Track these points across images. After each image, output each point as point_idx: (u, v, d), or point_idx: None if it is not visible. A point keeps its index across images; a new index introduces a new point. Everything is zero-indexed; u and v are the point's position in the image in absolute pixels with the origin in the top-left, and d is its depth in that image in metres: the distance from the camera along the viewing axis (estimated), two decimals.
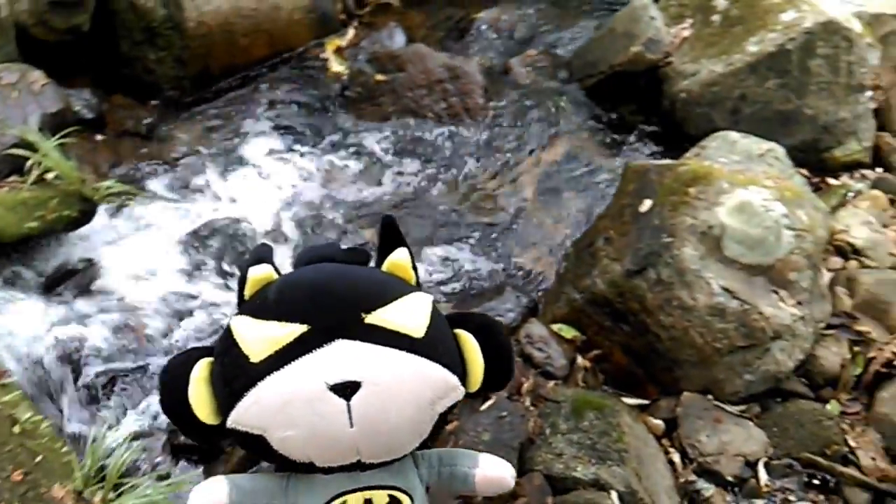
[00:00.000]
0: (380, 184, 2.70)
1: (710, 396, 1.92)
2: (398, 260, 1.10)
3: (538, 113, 2.92)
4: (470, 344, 1.08)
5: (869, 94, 2.71)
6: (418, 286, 1.12)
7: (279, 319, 0.97)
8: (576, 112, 2.93)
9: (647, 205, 2.04)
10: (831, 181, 2.59)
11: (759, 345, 1.88)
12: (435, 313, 1.05)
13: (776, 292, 1.91)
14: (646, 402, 1.97)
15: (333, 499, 1.03)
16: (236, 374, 0.98)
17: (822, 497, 1.79)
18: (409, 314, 1.01)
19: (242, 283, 1.08)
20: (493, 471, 1.18)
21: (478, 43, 3.25)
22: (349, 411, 0.94)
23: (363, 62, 2.94)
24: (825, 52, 2.59)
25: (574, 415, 1.80)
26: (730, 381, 1.91)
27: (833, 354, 1.95)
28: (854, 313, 2.02)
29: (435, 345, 1.02)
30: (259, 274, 1.06)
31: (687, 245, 1.92)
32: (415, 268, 1.13)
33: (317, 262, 1.10)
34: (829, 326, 1.98)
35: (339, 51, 3.13)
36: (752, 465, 1.83)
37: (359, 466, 1.02)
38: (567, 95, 2.98)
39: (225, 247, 2.39)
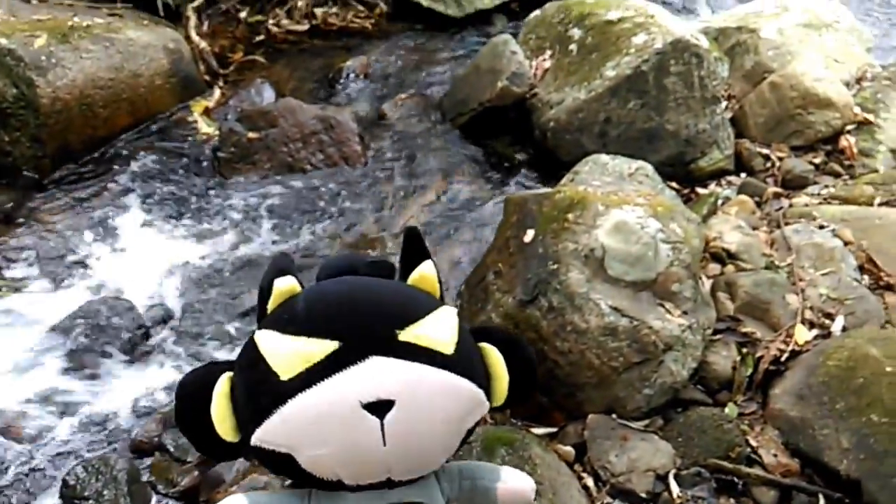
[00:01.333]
0: (263, 242, 2.59)
1: (614, 416, 1.90)
2: (425, 273, 1.06)
3: (416, 155, 2.88)
4: (495, 358, 1.05)
5: (724, 104, 2.82)
6: (442, 299, 1.09)
7: (309, 335, 0.92)
8: (453, 150, 2.91)
9: (530, 235, 2.02)
10: (700, 191, 2.67)
11: (652, 358, 1.88)
12: (462, 328, 1.02)
13: (662, 305, 1.91)
14: (554, 429, 1.92)
15: None
16: (263, 391, 0.93)
17: (732, 500, 1.78)
18: (441, 330, 0.98)
19: (264, 295, 1.03)
20: (516, 484, 1.15)
21: (349, 91, 3.20)
22: (382, 430, 0.90)
23: (233, 121, 2.83)
24: (678, 70, 2.67)
25: (485, 452, 1.73)
26: (631, 398, 1.89)
27: (723, 358, 1.97)
28: (737, 316, 2.05)
29: (465, 361, 0.99)
30: (284, 286, 1.00)
31: (573, 270, 1.90)
32: (440, 281, 1.10)
33: (340, 274, 1.06)
34: (716, 332, 2.00)
35: (206, 112, 3.01)
36: (662, 478, 1.80)
37: (387, 484, 0.98)
38: (442, 135, 2.97)
39: (104, 329, 2.21)
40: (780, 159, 2.72)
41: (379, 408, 0.89)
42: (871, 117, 2.76)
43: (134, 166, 2.78)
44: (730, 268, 2.17)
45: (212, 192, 2.72)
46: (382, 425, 0.90)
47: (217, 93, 3.10)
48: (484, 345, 1.06)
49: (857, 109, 2.78)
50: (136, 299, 2.32)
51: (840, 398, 1.76)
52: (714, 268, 2.19)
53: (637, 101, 2.65)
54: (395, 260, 1.12)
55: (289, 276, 1.01)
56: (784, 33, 3.02)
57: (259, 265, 2.46)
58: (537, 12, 3.16)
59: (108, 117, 2.81)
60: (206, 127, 2.95)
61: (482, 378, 1.02)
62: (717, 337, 2.00)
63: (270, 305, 1.01)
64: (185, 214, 2.66)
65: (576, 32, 2.91)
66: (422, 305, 1.00)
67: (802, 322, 2.00)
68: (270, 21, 3.45)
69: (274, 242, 2.58)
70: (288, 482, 1.06)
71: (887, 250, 2.18)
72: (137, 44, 2.92)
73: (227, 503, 1.01)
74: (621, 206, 1.99)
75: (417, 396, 0.92)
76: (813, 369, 1.85)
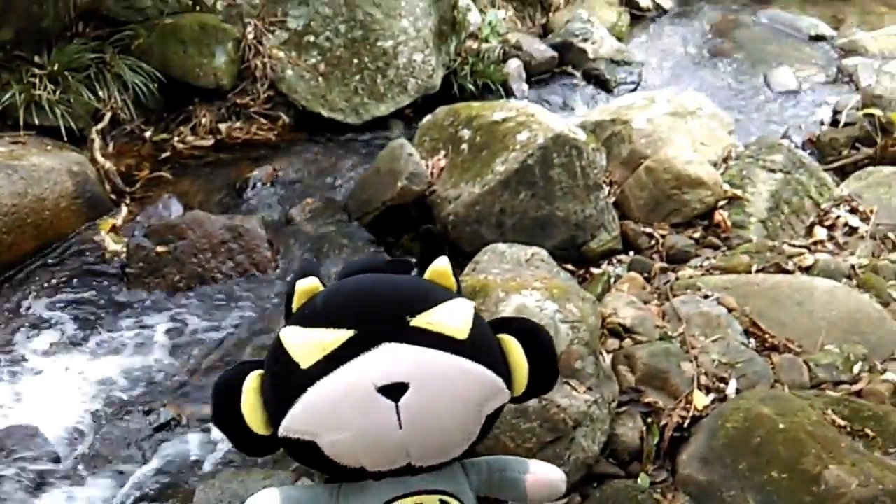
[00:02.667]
0: (177, 355, 2.46)
1: None
2: (440, 267, 1.07)
3: (326, 255, 2.85)
4: (514, 347, 1.04)
5: (606, 190, 2.93)
6: (459, 294, 1.09)
7: (327, 326, 0.95)
8: (360, 248, 2.90)
9: None
10: (594, 270, 2.73)
11: (564, 436, 1.85)
12: (477, 317, 1.02)
13: (567, 383, 1.91)
14: None
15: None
16: (287, 382, 0.95)
17: None
18: (453, 317, 0.98)
19: (290, 296, 1.05)
20: (545, 474, 1.13)
21: (256, 199, 3.17)
22: (398, 412, 0.91)
23: (140, 237, 2.74)
24: (561, 162, 2.78)
25: None
26: None
27: (630, 430, 1.96)
28: (639, 387, 2.06)
29: (479, 347, 0.98)
30: (305, 286, 1.02)
31: None
32: (456, 277, 1.10)
33: (361, 273, 1.08)
34: (620, 404, 2.00)
35: (114, 230, 2.90)
36: None
37: (409, 470, 0.98)
38: (349, 234, 2.95)
39: (11, 457, 2.03)
40: (663, 236, 2.83)
41: (394, 391, 0.90)
42: (739, 192, 2.92)
43: (41, 289, 2.65)
44: (627, 341, 2.20)
45: (121, 309, 2.60)
46: (398, 408, 0.90)
47: (124, 210, 3.00)
48: (502, 335, 1.05)
49: (726, 186, 2.94)
50: (46, 425, 2.15)
51: (741, 458, 1.77)
52: (613, 342, 2.21)
53: (527, 192, 2.72)
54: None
55: (311, 277, 1.03)
56: (654, 122, 3.20)
57: (176, 377, 2.34)
58: (429, 117, 3.25)
59: (13, 243, 2.70)
60: (113, 244, 2.84)
61: (500, 366, 1.01)
62: (623, 409, 2.00)
63: (294, 305, 1.03)
64: (94, 334, 2.51)
65: (466, 133, 3.00)
66: (435, 295, 1.00)
67: (699, 388, 2.03)
68: (175, 138, 3.42)
69: (189, 353, 2.46)
70: (324, 479, 1.05)
71: (768, 313, 2.26)
72: (41, 168, 2.83)
73: (259, 496, 1.01)
74: (520, 291, 2.01)
75: (430, 379, 0.92)
76: (713, 433, 1.87)
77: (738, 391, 2.02)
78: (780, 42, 4.96)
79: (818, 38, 4.94)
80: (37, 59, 3.24)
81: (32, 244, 2.76)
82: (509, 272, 2.22)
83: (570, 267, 2.62)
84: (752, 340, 2.21)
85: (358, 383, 0.91)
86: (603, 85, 4.46)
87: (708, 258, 2.68)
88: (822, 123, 3.81)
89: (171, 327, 2.54)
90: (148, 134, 3.42)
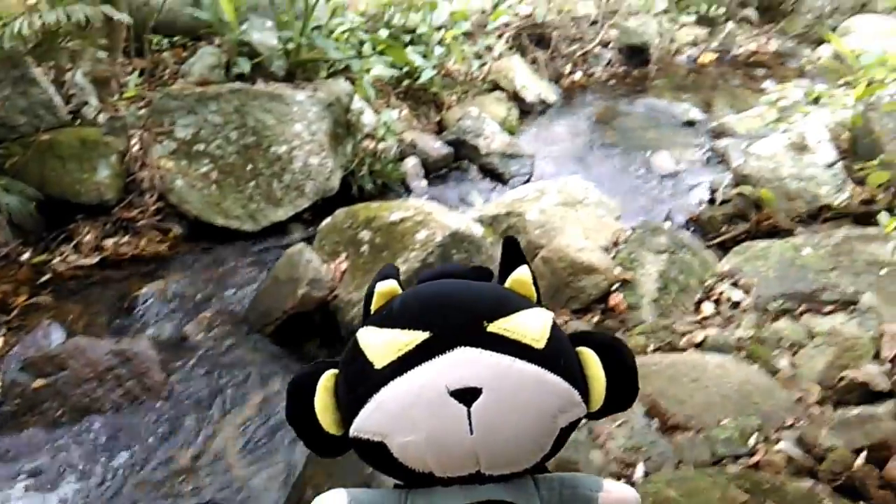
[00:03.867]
0: (63, 498, 2.29)
1: None
2: (520, 276, 1.03)
3: (225, 373, 2.77)
4: (592, 360, 1.00)
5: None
6: (539, 304, 1.05)
7: (403, 327, 0.93)
8: (263, 361, 2.84)
9: None
10: None
11: None
12: (556, 328, 0.98)
13: None
14: None
15: None
16: (360, 380, 0.93)
17: None
18: (531, 325, 0.95)
19: (369, 298, 1.02)
20: (619, 493, 1.06)
21: (147, 318, 3.06)
22: (469, 417, 0.88)
23: (16, 371, 2.58)
24: (460, 257, 2.85)
25: None
26: None
27: None
28: None
29: (556, 357, 0.95)
30: (384, 288, 1.01)
31: None
32: (536, 287, 1.05)
33: (440, 278, 1.04)
34: None
35: None
36: None
37: (478, 478, 0.93)
38: (250, 348, 2.89)
39: None
40: (565, 322, 2.92)
41: (466, 396, 0.88)
42: (630, 275, 3.07)
43: None
44: None
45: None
46: (469, 413, 0.88)
47: None
48: (581, 348, 1.02)
49: (617, 270, 3.08)
50: None
51: None
52: None
53: None
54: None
55: (390, 280, 1.02)
56: (546, 213, 3.35)
57: None
58: (328, 220, 3.29)
59: None
60: None
61: (577, 379, 0.98)
62: None
63: (373, 307, 1.02)
64: None
65: (365, 235, 3.05)
66: (514, 303, 0.98)
67: (609, 476, 2.06)
68: (56, 259, 3.29)
69: (76, 494, 2.30)
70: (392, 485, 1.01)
71: (667, 392, 2.35)
72: None
73: (327, 497, 0.99)
74: None
75: (504, 386, 0.90)
76: None
77: (645, 474, 2.06)
78: (658, 128, 5.35)
79: (691, 122, 5.37)
80: None
81: None
82: None
83: None
84: (655, 421, 2.28)
85: (430, 385, 0.90)
86: (498, 178, 4.66)
87: None
88: (701, 203, 4.09)
89: (54, 469, 2.37)
90: (26, 257, 3.28)
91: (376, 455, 0.96)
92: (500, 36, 6.31)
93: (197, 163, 3.78)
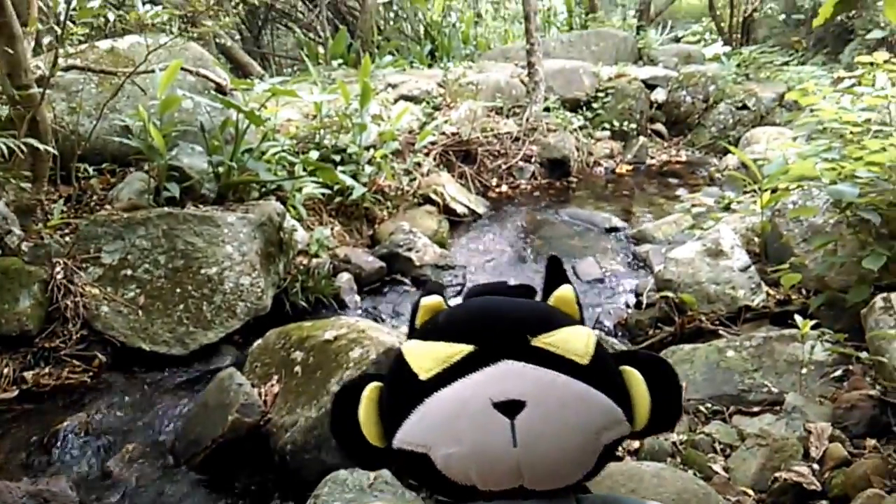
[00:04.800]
0: None
1: None
2: (564, 293, 1.07)
3: None
4: (636, 379, 1.01)
5: None
6: (582, 322, 1.06)
7: (448, 340, 0.96)
8: (190, 495, 2.71)
9: None
10: None
11: None
12: (600, 345, 1.00)
13: None
14: None
15: None
16: (404, 393, 0.95)
17: None
18: (575, 342, 0.97)
19: (414, 312, 1.08)
20: None
21: (68, 454, 2.90)
22: (513, 430, 0.89)
23: None
24: None
25: None
26: None
27: None
28: None
29: (600, 374, 0.97)
30: (430, 302, 1.06)
31: None
32: (580, 305, 1.08)
33: (484, 295, 1.08)
34: None
35: None
36: None
37: (521, 493, 0.94)
38: (178, 480, 2.77)
39: None
40: None
41: (510, 409, 0.90)
42: None
43: None
44: None
45: None
46: (513, 426, 0.89)
47: None
48: (625, 367, 1.02)
49: None
50: None
51: None
52: None
53: None
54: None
55: (435, 295, 1.07)
56: None
57: None
58: (259, 341, 3.26)
59: None
60: None
61: (621, 396, 0.99)
62: None
63: (418, 321, 1.06)
64: None
65: (298, 355, 3.03)
66: (558, 319, 1.01)
67: None
68: None
69: None
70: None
71: None
72: None
73: None
74: None
75: (549, 400, 0.92)
76: None
77: None
78: (582, 236, 5.58)
79: (613, 229, 5.63)
80: None
81: None
82: (353, 501, 2.17)
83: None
84: None
85: (475, 397, 0.92)
86: None
87: None
88: (628, 306, 4.24)
89: None
90: None
91: (419, 467, 0.96)
92: (427, 153, 6.58)
93: (123, 288, 3.72)
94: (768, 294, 3.76)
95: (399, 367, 1.00)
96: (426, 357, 0.97)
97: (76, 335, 3.46)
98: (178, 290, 3.82)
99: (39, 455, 2.90)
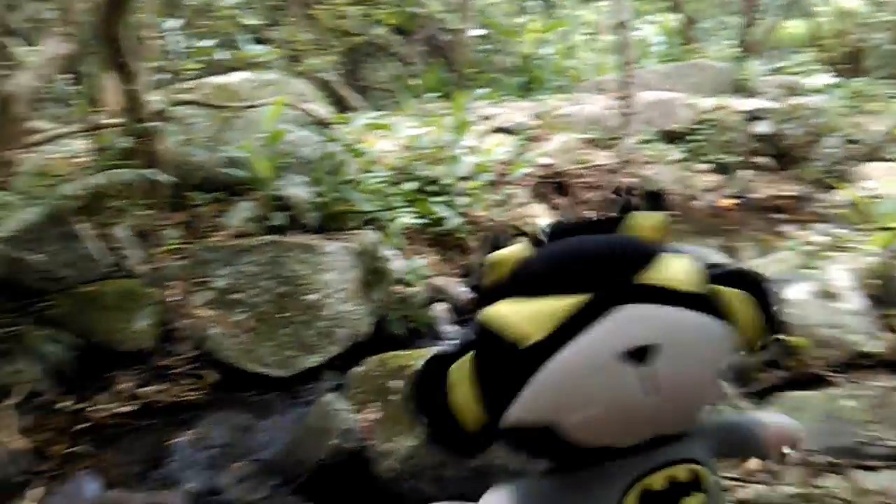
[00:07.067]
0: None
1: None
2: (647, 218, 0.98)
3: None
4: (741, 300, 0.97)
5: None
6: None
7: (552, 293, 0.85)
8: None
9: None
10: None
11: None
12: (700, 270, 0.95)
13: None
14: None
15: (632, 485, 0.89)
16: (513, 363, 0.85)
17: None
18: (680, 272, 0.91)
19: (480, 274, 0.95)
20: (781, 423, 1.10)
21: (181, 468, 3.08)
22: (650, 378, 0.83)
23: None
24: None
25: None
26: None
27: None
28: None
29: (710, 300, 0.92)
30: (502, 256, 0.92)
31: None
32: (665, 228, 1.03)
33: (564, 235, 0.97)
34: None
35: None
36: None
37: (654, 443, 0.90)
38: (282, 499, 2.89)
39: None
40: None
41: (643, 356, 0.83)
42: None
43: None
44: None
45: None
46: (651, 373, 0.83)
47: (34, 494, 2.85)
48: (724, 288, 0.97)
49: None
50: None
51: None
52: None
53: None
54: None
55: (504, 248, 0.95)
56: None
57: None
58: (359, 368, 3.36)
59: None
60: None
61: (727, 318, 0.94)
62: None
63: (491, 279, 0.93)
64: None
65: (396, 383, 3.11)
66: (654, 250, 0.93)
67: None
68: (95, 407, 3.36)
69: None
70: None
71: None
72: None
73: (492, 497, 0.93)
74: None
75: (679, 340, 0.86)
76: None
77: None
78: None
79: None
80: None
81: None
82: None
83: None
84: None
85: (600, 352, 0.84)
86: None
87: None
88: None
89: None
90: (65, 405, 3.35)
91: (538, 441, 0.89)
92: (521, 185, 6.65)
93: (232, 311, 3.94)
94: (887, 340, 3.59)
95: (491, 338, 0.89)
96: (532, 318, 0.87)
97: (188, 355, 3.68)
98: (283, 315, 4.00)
99: (155, 468, 3.09)
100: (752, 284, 1.01)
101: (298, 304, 4.06)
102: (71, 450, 3.14)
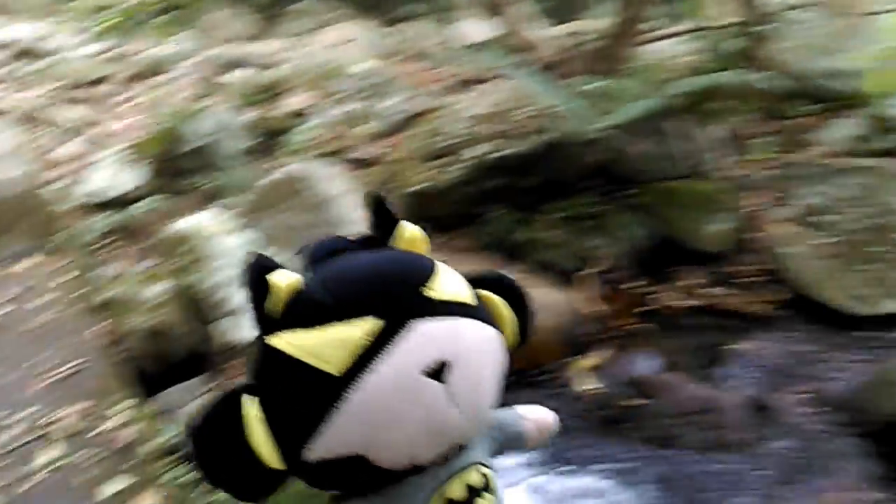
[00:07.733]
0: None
1: None
2: (413, 233, 0.99)
3: (810, 455, 2.60)
4: (500, 304, 1.01)
5: None
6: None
7: (345, 318, 0.85)
8: (855, 459, 2.55)
9: None
10: None
11: None
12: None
13: None
14: None
15: (432, 495, 0.94)
16: (314, 395, 0.85)
17: None
18: (457, 283, 0.94)
19: (258, 298, 0.90)
20: (535, 416, 1.13)
21: (733, 373, 3.06)
22: (449, 393, 0.86)
23: (618, 385, 2.86)
24: None
25: None
26: None
27: None
28: None
29: (484, 309, 0.97)
30: (287, 281, 0.89)
31: None
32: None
33: (332, 255, 0.97)
34: None
35: (585, 371, 3.10)
36: None
37: (452, 452, 0.94)
38: (841, 439, 2.64)
39: None
40: None
41: (440, 372, 0.85)
42: None
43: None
44: None
45: (582, 448, 2.70)
46: (448, 389, 0.85)
47: (598, 355, 3.19)
48: (488, 294, 1.00)
49: None
50: None
51: None
52: None
53: None
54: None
55: (281, 270, 0.90)
56: None
57: None
58: None
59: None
60: (581, 384, 3.02)
61: (496, 325, 0.97)
62: None
63: (274, 306, 0.89)
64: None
65: None
66: (428, 264, 0.94)
67: None
68: (660, 295, 3.53)
69: None
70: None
71: None
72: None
73: None
74: None
75: (468, 351, 0.89)
76: None
77: None
78: None
79: None
80: (546, 205, 3.75)
81: (520, 364, 3.10)
82: None
83: None
84: None
85: (404, 373, 0.84)
86: None
87: None
88: None
89: (624, 480, 2.55)
90: (634, 285, 3.61)
91: (344, 472, 0.88)
92: None
93: (814, 234, 3.64)
94: None
95: (291, 370, 0.85)
96: (328, 347, 0.84)
97: (758, 267, 3.56)
98: (870, 249, 3.54)
99: (708, 366, 3.13)
100: (509, 290, 1.03)
101: (890, 240, 3.54)
102: (634, 326, 3.38)
